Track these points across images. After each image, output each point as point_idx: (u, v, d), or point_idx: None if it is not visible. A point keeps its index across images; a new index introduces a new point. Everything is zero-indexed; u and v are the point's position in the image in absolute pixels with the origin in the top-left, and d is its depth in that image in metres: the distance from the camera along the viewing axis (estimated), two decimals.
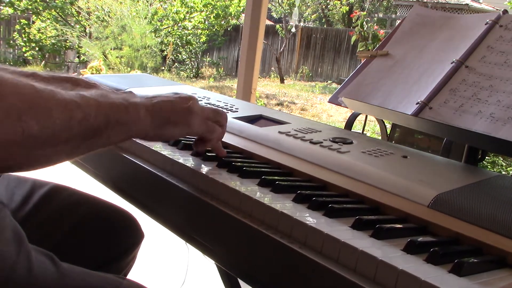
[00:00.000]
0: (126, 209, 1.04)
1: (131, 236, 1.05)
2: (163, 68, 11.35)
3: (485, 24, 0.97)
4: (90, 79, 0.73)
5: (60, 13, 10.69)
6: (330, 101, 1.07)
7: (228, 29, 12.50)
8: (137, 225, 1.06)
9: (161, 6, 11.35)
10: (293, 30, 12.18)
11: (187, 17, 11.50)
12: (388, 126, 2.92)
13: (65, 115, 0.54)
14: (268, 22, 13.47)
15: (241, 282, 1.36)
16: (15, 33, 10.88)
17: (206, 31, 11.90)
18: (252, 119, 1.02)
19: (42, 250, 0.73)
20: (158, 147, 0.82)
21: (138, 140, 0.80)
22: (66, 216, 0.97)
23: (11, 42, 11.13)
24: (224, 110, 0.79)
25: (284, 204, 0.61)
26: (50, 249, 0.74)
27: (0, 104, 0.48)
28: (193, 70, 11.89)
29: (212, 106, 0.77)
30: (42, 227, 0.93)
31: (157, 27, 10.90)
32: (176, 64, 11.95)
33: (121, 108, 0.61)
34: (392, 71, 1.01)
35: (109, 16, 10.11)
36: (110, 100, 0.60)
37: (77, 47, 10.62)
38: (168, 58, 11.36)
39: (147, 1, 10.69)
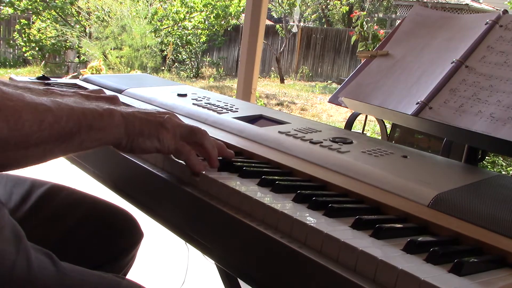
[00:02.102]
0: (125, 209, 1.04)
1: (131, 236, 1.05)
2: (163, 68, 11.35)
3: (485, 24, 0.97)
4: (67, 91, 0.73)
5: (60, 13, 10.69)
6: (330, 101, 1.07)
7: (228, 29, 12.50)
8: (136, 225, 1.06)
9: (161, 6, 11.35)
10: (295, 30, 12.17)
11: (187, 17, 11.50)
12: (388, 126, 2.92)
13: (35, 118, 0.54)
14: (268, 22, 13.47)
15: (241, 282, 1.36)
16: (15, 33, 10.88)
17: (206, 31, 11.90)
18: (252, 119, 1.02)
19: (41, 249, 0.73)
20: None
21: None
22: (65, 215, 0.97)
23: (11, 42, 11.13)
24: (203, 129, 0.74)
25: (284, 204, 0.61)
26: (49, 249, 0.74)
27: None
28: (193, 70, 11.90)
29: (192, 125, 0.73)
30: (41, 226, 0.93)
31: (157, 27, 10.90)
32: (176, 64, 11.95)
33: (95, 114, 0.61)
34: (392, 71, 1.01)
35: (109, 16, 10.11)
36: (84, 106, 0.60)
37: (77, 47, 10.62)
38: (168, 58, 11.37)
39: (147, 1, 10.69)
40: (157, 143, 0.68)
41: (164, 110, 0.72)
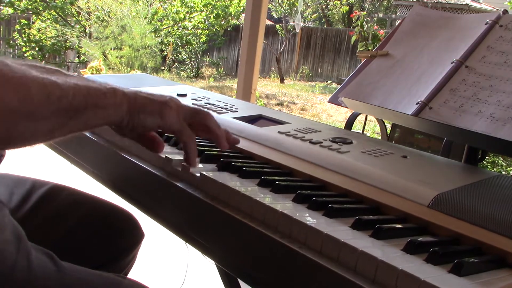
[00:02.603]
0: (126, 209, 1.04)
1: (131, 236, 1.06)
2: (163, 68, 11.35)
3: (485, 24, 0.97)
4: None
5: (60, 13, 10.69)
6: (330, 101, 1.07)
7: (228, 29, 12.50)
8: (137, 225, 1.07)
9: (161, 6, 11.35)
10: (297, 30, 12.15)
11: (187, 17, 11.49)
12: (388, 126, 2.92)
13: (44, 91, 0.54)
14: (268, 22, 13.47)
15: (241, 282, 1.36)
16: (15, 33, 10.88)
17: (206, 31, 11.90)
18: (252, 119, 1.02)
19: (42, 249, 0.73)
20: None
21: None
22: (66, 215, 0.97)
23: (11, 42, 11.13)
24: (210, 111, 0.73)
25: (284, 204, 0.61)
26: (50, 249, 0.74)
27: None
28: (193, 70, 11.89)
29: (195, 106, 0.73)
30: (41, 226, 0.93)
31: (157, 27, 10.90)
32: (176, 64, 11.94)
33: (99, 92, 0.61)
34: (392, 71, 1.01)
35: (109, 16, 10.11)
36: (88, 84, 0.60)
37: (77, 47, 10.62)
38: (168, 58, 11.36)
39: (147, 1, 10.68)
40: (159, 119, 0.67)
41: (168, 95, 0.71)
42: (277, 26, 12.87)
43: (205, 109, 0.73)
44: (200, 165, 0.75)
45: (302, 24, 12.57)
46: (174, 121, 0.69)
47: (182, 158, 0.75)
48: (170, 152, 0.79)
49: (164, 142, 0.76)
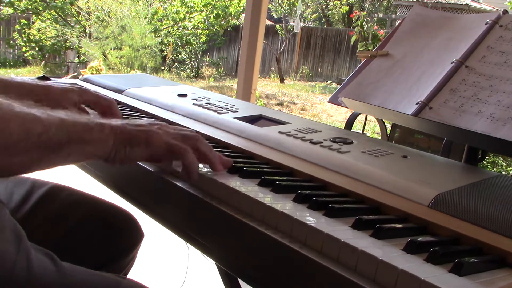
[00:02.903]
0: (126, 209, 1.04)
1: (131, 236, 1.05)
2: (163, 68, 11.34)
3: (485, 24, 0.97)
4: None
5: (60, 13, 10.69)
6: (330, 101, 1.07)
7: (228, 29, 12.50)
8: (137, 225, 1.06)
9: (161, 6, 11.35)
10: (297, 30, 12.15)
11: (187, 17, 11.49)
12: (388, 126, 2.92)
13: (24, 127, 0.54)
14: (268, 22, 13.47)
15: (241, 282, 1.36)
16: (15, 33, 10.88)
17: (206, 31, 11.90)
18: (252, 119, 1.02)
19: (42, 249, 0.73)
20: None
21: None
22: (66, 215, 0.97)
23: (11, 42, 11.13)
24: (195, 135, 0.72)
25: (284, 204, 0.61)
26: (50, 249, 0.74)
27: None
28: (193, 70, 11.89)
29: (185, 130, 0.72)
30: (41, 226, 0.93)
31: (157, 27, 10.90)
32: (176, 64, 11.94)
33: (86, 127, 0.61)
34: (392, 71, 1.01)
35: (109, 16, 10.11)
36: (75, 118, 0.61)
37: (77, 47, 10.62)
38: (168, 58, 11.36)
39: (147, 1, 10.68)
40: (146, 149, 0.66)
41: (156, 120, 0.71)
42: (277, 26, 12.87)
43: (194, 132, 0.71)
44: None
45: (301, 24, 12.55)
46: (162, 144, 0.67)
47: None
48: None
49: None
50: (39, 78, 1.26)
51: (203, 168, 0.73)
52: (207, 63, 12.31)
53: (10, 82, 0.78)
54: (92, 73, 6.95)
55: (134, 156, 0.67)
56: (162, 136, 0.68)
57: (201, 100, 1.16)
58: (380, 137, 3.10)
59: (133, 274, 1.07)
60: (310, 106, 8.69)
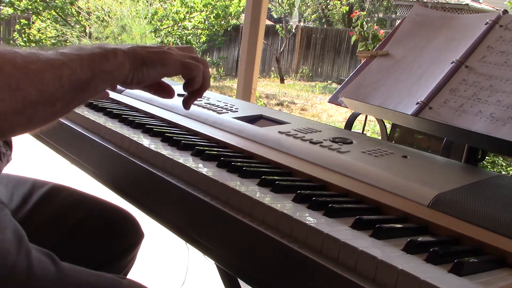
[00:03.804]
0: (126, 209, 1.05)
1: (131, 236, 1.06)
2: None
3: (485, 24, 0.97)
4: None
5: (60, 13, 10.69)
6: (330, 101, 1.07)
7: (228, 29, 12.50)
8: (137, 225, 1.07)
9: (161, 6, 11.35)
10: (293, 26, 12.15)
11: (187, 17, 11.49)
12: (388, 126, 2.92)
13: (56, 75, 0.55)
14: (268, 22, 13.47)
15: (241, 282, 1.36)
16: (15, 33, 10.88)
17: (206, 31, 11.90)
18: (252, 119, 1.02)
19: (42, 250, 0.73)
20: (158, 147, 0.82)
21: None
22: (66, 215, 0.97)
23: (11, 42, 11.12)
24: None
25: (284, 204, 0.61)
26: (50, 249, 0.74)
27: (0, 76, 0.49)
28: None
29: (194, 54, 0.77)
30: (42, 226, 0.93)
31: (157, 27, 10.90)
32: None
33: (102, 57, 0.62)
34: (392, 71, 1.01)
35: (109, 16, 10.11)
36: (88, 51, 0.61)
37: None
38: None
39: (147, 1, 10.68)
40: (161, 68, 0.69)
41: (165, 45, 0.74)
42: (277, 26, 12.87)
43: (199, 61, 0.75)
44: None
45: (300, 24, 12.55)
46: (177, 62, 0.71)
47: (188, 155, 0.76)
48: (170, 153, 0.79)
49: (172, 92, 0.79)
50: None
51: (203, 168, 0.73)
52: None
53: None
54: None
55: (150, 76, 0.69)
56: (175, 56, 0.71)
57: (201, 100, 1.16)
58: (380, 137, 3.10)
59: (133, 274, 1.07)
60: (310, 106, 8.69)
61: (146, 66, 0.67)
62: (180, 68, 0.71)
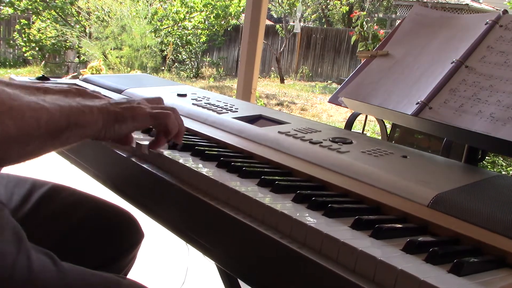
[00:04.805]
0: (126, 209, 1.04)
1: (131, 236, 1.06)
2: (163, 68, 11.34)
3: (485, 24, 0.97)
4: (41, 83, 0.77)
5: (60, 13, 10.69)
6: (330, 101, 1.07)
7: (228, 29, 12.50)
8: (137, 225, 1.07)
9: (161, 6, 11.35)
10: (297, 30, 12.14)
11: (187, 17, 11.49)
12: (388, 126, 2.92)
13: (35, 116, 0.57)
14: (268, 22, 13.47)
15: (241, 282, 1.36)
16: (15, 33, 10.88)
17: (206, 31, 11.90)
18: (252, 119, 1.02)
19: (42, 249, 0.73)
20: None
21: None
22: (66, 215, 0.97)
23: (11, 42, 11.13)
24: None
25: (283, 204, 0.61)
26: (50, 249, 0.74)
27: None
28: (193, 70, 11.89)
29: (163, 104, 0.80)
30: (41, 226, 0.93)
31: (157, 27, 10.90)
32: (176, 64, 11.94)
33: (79, 111, 0.64)
34: (392, 71, 1.01)
35: (109, 16, 10.11)
36: (68, 103, 0.63)
37: (77, 47, 10.62)
38: (168, 58, 11.36)
39: (147, 1, 10.68)
40: (132, 123, 0.71)
41: (134, 99, 0.76)
42: (277, 26, 12.87)
43: (171, 107, 0.78)
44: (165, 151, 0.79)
45: (301, 24, 12.54)
46: (147, 115, 0.73)
47: (188, 156, 0.77)
48: (170, 153, 0.79)
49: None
50: (38, 78, 1.26)
51: (203, 168, 0.73)
52: (207, 63, 12.30)
53: (8, 83, 0.78)
54: (92, 73, 6.95)
55: (122, 132, 0.71)
56: (145, 109, 0.73)
57: (201, 100, 1.16)
58: (380, 137, 3.10)
59: (133, 274, 1.07)
60: (310, 106, 8.69)
61: (118, 123, 0.70)
62: (150, 120, 0.73)
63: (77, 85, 0.84)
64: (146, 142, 0.79)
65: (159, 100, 0.80)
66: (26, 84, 0.71)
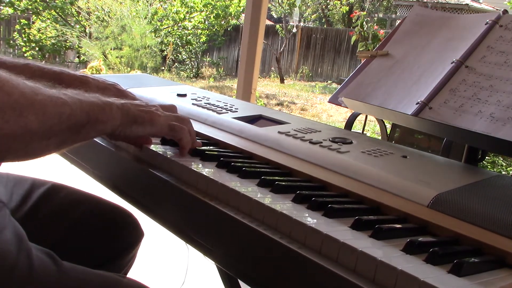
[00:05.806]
0: (126, 208, 1.04)
1: (131, 235, 1.06)
2: (163, 68, 11.34)
3: (485, 24, 0.97)
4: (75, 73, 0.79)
5: (60, 13, 10.69)
6: (330, 101, 1.07)
7: (228, 29, 12.50)
8: (137, 224, 1.07)
9: (161, 6, 11.35)
10: (294, 30, 12.16)
11: (187, 17, 11.49)
12: (388, 126, 2.92)
13: (57, 111, 0.58)
14: (268, 22, 13.47)
15: (241, 283, 1.36)
16: (15, 33, 10.88)
17: (206, 31, 11.90)
18: (252, 119, 1.02)
19: (42, 249, 0.73)
20: (158, 147, 0.82)
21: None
22: (66, 215, 0.97)
23: (11, 42, 11.13)
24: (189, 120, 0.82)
25: (283, 204, 0.61)
26: (50, 248, 0.74)
27: (8, 100, 0.52)
28: (193, 70, 11.89)
29: (178, 114, 0.82)
30: (41, 226, 0.93)
31: (157, 27, 10.90)
32: (176, 64, 11.94)
33: (99, 107, 0.65)
34: (392, 71, 1.01)
35: (109, 16, 10.11)
36: (89, 99, 0.64)
37: (77, 47, 10.62)
38: (168, 58, 11.36)
39: (147, 1, 10.68)
40: (150, 128, 0.73)
41: (153, 104, 0.78)
42: (277, 26, 12.87)
43: (186, 120, 0.80)
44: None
45: (300, 24, 12.55)
46: (165, 123, 0.75)
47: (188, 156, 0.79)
48: (170, 153, 0.79)
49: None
50: None
51: (203, 169, 0.73)
52: (207, 63, 12.30)
53: (32, 71, 0.79)
54: (92, 73, 6.94)
55: (138, 133, 0.73)
56: (163, 118, 0.75)
57: (201, 100, 1.16)
58: (380, 137, 3.10)
59: (133, 274, 1.07)
60: (310, 106, 8.69)
61: (136, 124, 0.71)
62: (167, 130, 0.76)
63: (118, 85, 0.85)
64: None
65: (173, 108, 0.82)
66: (54, 69, 0.72)
